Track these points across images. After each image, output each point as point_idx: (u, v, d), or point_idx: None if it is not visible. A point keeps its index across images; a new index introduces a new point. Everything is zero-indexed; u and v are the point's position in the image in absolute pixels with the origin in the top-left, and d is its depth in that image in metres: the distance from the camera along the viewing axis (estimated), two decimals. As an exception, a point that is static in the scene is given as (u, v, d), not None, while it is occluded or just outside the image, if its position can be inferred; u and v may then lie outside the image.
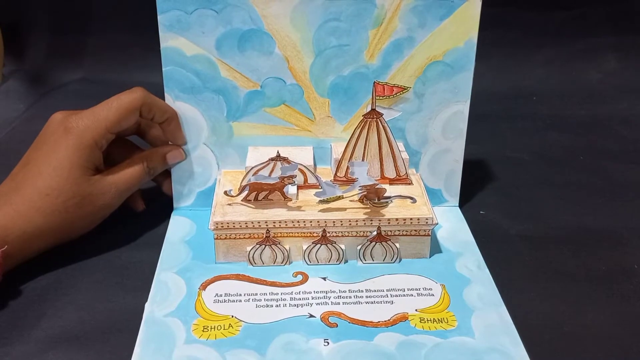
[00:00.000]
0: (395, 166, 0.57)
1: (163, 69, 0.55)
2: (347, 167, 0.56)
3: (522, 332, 0.45)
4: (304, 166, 0.56)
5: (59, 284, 0.50)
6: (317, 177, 0.54)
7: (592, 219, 0.61)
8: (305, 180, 0.56)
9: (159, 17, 0.54)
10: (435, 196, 0.60)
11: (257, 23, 0.54)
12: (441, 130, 0.58)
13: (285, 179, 0.53)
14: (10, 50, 0.97)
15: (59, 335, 0.45)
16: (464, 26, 0.55)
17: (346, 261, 0.53)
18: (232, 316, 0.47)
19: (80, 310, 0.48)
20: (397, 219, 0.52)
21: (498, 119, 0.85)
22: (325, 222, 0.52)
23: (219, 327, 0.46)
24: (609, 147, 0.77)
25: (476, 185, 0.66)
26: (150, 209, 0.60)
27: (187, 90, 0.56)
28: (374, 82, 0.56)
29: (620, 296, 0.50)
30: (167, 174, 0.60)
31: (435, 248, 0.55)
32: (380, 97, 0.56)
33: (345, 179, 0.56)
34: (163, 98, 0.56)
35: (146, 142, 0.60)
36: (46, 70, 0.97)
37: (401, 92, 0.56)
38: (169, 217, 0.59)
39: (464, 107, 0.57)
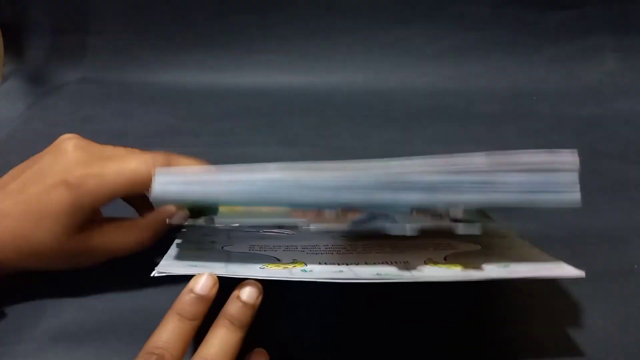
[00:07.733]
0: None
1: None
2: None
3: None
4: None
5: (59, 283, 0.50)
6: None
7: (592, 219, 0.61)
8: None
9: None
10: None
11: None
12: None
13: None
14: (10, 50, 0.97)
15: (59, 334, 0.45)
16: None
17: None
18: None
19: (81, 309, 0.48)
20: None
21: (498, 119, 0.85)
22: None
23: None
24: (609, 147, 0.77)
25: (476, 185, 0.66)
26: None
27: None
28: None
29: (620, 296, 0.50)
30: (148, 203, 0.48)
31: None
32: None
33: None
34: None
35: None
36: (46, 70, 0.97)
37: None
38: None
39: None
